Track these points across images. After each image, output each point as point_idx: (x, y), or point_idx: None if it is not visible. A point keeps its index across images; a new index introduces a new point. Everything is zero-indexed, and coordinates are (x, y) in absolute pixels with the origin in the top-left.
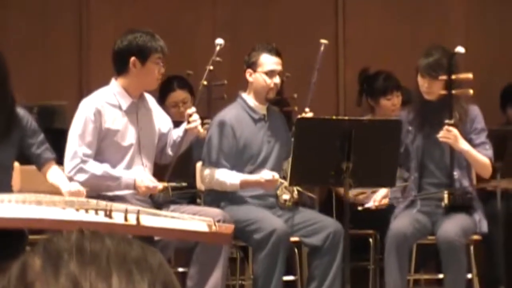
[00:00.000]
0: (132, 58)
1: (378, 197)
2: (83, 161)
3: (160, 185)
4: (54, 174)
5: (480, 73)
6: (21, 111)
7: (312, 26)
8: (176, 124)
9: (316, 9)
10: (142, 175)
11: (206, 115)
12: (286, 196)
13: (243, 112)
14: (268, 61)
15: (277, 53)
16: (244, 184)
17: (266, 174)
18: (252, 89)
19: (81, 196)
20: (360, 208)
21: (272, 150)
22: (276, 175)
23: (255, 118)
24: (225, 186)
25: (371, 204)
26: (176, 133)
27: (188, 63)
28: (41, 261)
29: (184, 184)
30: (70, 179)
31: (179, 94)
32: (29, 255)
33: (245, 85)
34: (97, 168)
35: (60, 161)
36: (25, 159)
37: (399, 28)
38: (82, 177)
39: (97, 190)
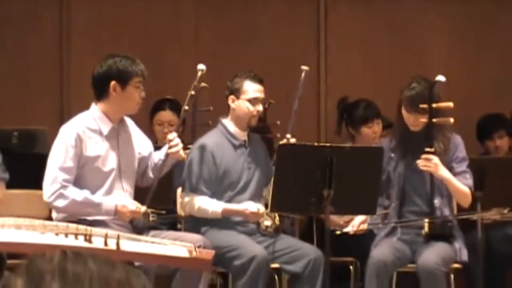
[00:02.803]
0: (112, 83)
1: (356, 222)
2: (63, 187)
3: (143, 208)
4: None
5: (460, 102)
6: None
7: (294, 55)
8: (157, 149)
9: (299, 38)
10: (122, 200)
11: (190, 141)
12: (267, 223)
13: (223, 138)
14: (252, 89)
15: (260, 81)
16: (226, 213)
17: (251, 206)
18: (234, 115)
19: None
20: (338, 232)
21: (253, 176)
22: (262, 208)
23: (235, 145)
24: (206, 213)
25: (349, 228)
26: (158, 156)
27: (172, 92)
28: (23, 282)
29: (163, 211)
30: (49, 204)
31: (168, 115)
32: (11, 276)
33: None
34: (77, 194)
35: (39, 186)
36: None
37: (380, 58)
38: (62, 202)
39: (76, 215)
